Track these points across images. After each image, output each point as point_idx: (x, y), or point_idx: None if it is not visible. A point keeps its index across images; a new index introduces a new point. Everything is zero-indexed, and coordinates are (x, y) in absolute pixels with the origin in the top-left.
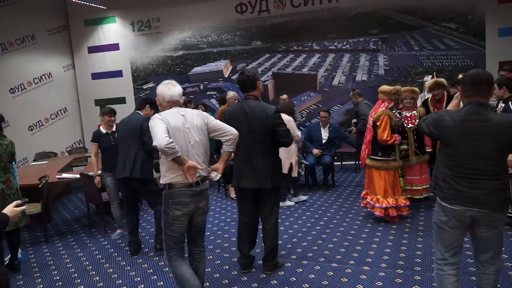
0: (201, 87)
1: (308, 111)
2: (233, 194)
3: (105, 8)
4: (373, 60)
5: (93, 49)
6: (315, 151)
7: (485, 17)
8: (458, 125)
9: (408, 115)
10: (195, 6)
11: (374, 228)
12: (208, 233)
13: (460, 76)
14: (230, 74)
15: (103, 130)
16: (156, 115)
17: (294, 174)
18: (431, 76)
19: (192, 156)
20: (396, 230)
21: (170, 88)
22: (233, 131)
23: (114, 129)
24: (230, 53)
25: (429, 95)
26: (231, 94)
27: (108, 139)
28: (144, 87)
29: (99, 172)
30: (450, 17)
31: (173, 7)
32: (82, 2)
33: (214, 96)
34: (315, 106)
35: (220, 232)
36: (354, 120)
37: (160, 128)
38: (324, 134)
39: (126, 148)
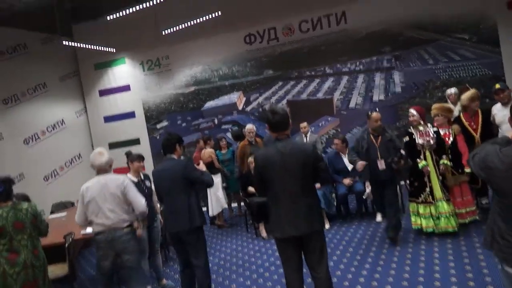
0: (216, 121)
1: (327, 136)
2: (264, 234)
3: (114, 50)
4: (388, 78)
5: (104, 92)
6: (346, 181)
7: (497, 24)
8: (509, 167)
9: (442, 132)
10: (204, 41)
11: (429, 255)
12: (248, 282)
13: (498, 86)
14: (244, 106)
15: (133, 178)
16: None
17: None
18: (455, 89)
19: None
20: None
21: (97, 158)
22: (141, 208)
23: (142, 176)
24: (243, 85)
25: (456, 109)
26: (249, 127)
27: (140, 188)
28: (158, 126)
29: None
30: (461, 28)
31: (181, 43)
32: (92, 47)
33: (229, 129)
34: (334, 131)
35: (261, 280)
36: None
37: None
38: (347, 161)
39: (173, 198)
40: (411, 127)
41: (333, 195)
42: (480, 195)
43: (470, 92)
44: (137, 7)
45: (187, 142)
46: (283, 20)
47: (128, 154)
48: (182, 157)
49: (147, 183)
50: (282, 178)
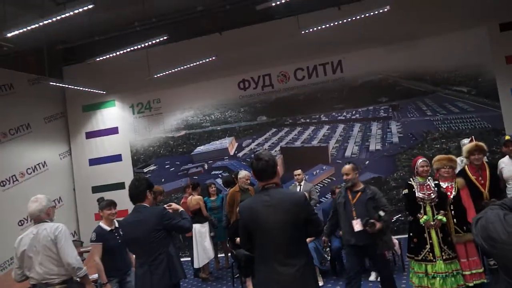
0: (206, 166)
1: (321, 185)
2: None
3: (104, 92)
4: (385, 128)
5: (91, 134)
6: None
7: (496, 78)
8: None
9: (444, 186)
10: (197, 85)
11: None
12: None
13: (508, 137)
14: (236, 152)
15: (105, 227)
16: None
17: None
18: (469, 139)
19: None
20: None
21: (29, 205)
22: (69, 260)
23: (116, 224)
24: (235, 130)
25: (464, 163)
26: (243, 173)
27: (113, 237)
28: (145, 170)
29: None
30: (459, 80)
31: (174, 88)
32: (81, 89)
33: (220, 175)
34: (329, 180)
35: None
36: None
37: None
38: None
39: (148, 252)
40: (411, 179)
41: (327, 249)
42: (488, 255)
43: (472, 144)
44: (129, 49)
45: (174, 188)
46: (278, 66)
47: (99, 201)
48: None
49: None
50: (267, 233)
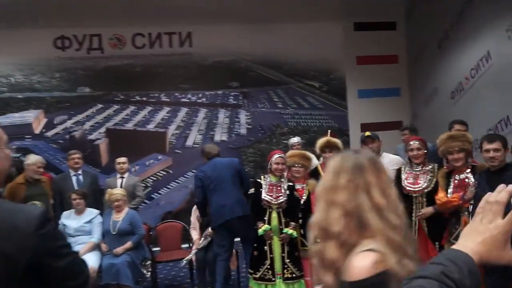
0: None
1: (155, 178)
2: None
3: None
4: (233, 117)
5: None
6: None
7: (346, 77)
8: None
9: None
10: None
11: None
12: None
13: (368, 133)
14: (44, 130)
15: None
16: None
17: None
18: (296, 139)
19: None
20: None
21: None
22: None
23: None
24: (44, 101)
25: (318, 162)
26: (33, 159)
27: None
28: None
29: None
30: (313, 75)
31: None
32: None
33: (15, 159)
34: (165, 173)
35: None
36: None
37: None
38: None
39: None
40: (263, 176)
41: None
42: None
43: (324, 139)
44: None
45: None
46: (112, 27)
47: None
48: None
49: None
50: None
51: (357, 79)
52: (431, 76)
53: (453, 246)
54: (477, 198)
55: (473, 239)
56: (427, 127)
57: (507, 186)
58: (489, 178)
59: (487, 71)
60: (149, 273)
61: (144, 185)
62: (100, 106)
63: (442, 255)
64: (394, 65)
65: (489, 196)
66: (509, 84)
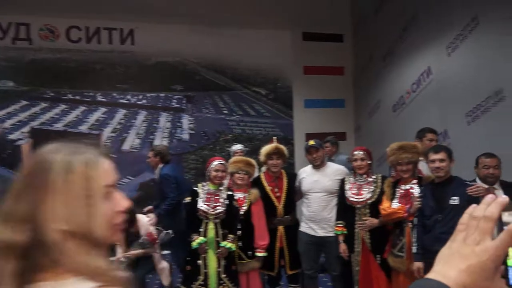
0: None
1: None
2: None
3: None
4: (176, 121)
5: None
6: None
7: (292, 86)
8: None
9: (236, 197)
10: None
11: None
12: None
13: (312, 142)
14: None
15: None
16: None
17: None
18: (240, 146)
19: None
20: None
21: None
22: None
23: None
24: None
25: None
26: None
27: None
28: None
29: None
30: (260, 81)
31: None
32: None
33: None
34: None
35: None
36: None
37: None
38: None
39: None
40: (200, 185)
41: None
42: (273, 285)
43: (272, 145)
44: None
45: None
46: (44, 17)
47: None
48: None
49: None
50: None
51: (304, 88)
52: (375, 89)
53: (429, 275)
54: (422, 210)
55: (454, 266)
56: (370, 139)
57: (495, 196)
58: (434, 190)
59: (427, 85)
60: None
61: None
62: (25, 103)
63: (416, 286)
64: (340, 76)
65: (474, 210)
66: (448, 99)
